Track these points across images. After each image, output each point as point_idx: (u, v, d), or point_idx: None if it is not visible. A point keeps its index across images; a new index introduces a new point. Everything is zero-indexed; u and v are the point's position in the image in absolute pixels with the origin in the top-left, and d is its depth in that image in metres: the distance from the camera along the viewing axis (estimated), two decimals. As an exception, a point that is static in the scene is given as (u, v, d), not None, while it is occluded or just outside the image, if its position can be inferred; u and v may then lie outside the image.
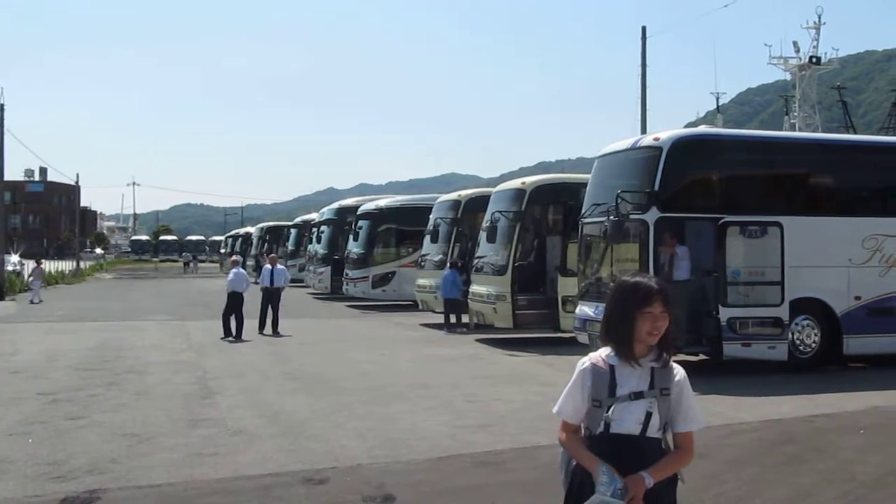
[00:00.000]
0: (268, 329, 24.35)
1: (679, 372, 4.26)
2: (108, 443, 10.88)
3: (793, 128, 56.59)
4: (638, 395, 4.15)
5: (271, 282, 24.75)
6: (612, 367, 4.20)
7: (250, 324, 23.86)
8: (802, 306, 16.90)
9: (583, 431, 4.26)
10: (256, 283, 26.48)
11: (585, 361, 4.29)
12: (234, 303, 23.44)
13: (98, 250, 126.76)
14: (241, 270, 24.97)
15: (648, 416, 4.15)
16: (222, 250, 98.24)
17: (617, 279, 4.38)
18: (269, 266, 25.61)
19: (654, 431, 4.16)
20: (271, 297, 24.67)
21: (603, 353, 4.28)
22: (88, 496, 8.56)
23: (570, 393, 4.27)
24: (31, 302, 38.51)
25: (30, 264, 49.61)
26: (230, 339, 22.80)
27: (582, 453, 4.17)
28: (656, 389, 4.17)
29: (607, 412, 4.14)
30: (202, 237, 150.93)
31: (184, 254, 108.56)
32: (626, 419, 4.14)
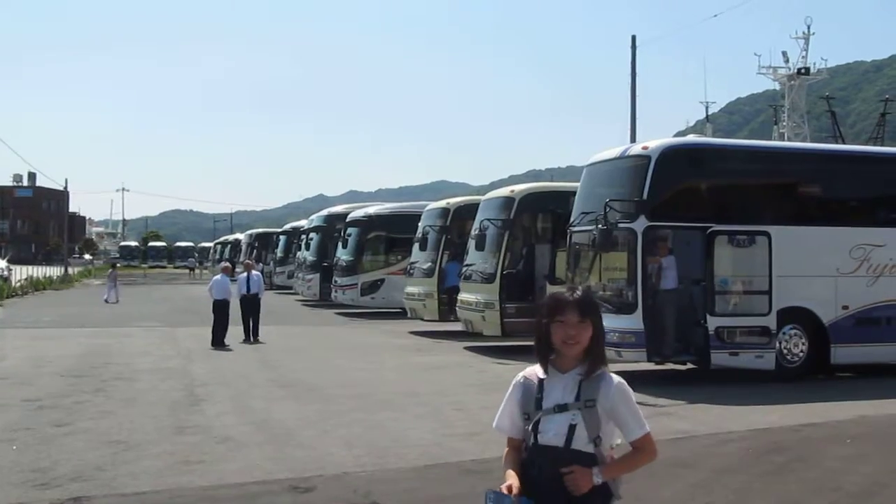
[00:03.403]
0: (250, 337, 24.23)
1: (613, 382, 4.25)
2: (94, 450, 10.84)
3: (782, 137, 56.85)
4: (562, 408, 4.18)
5: (248, 289, 24.63)
6: (541, 381, 4.28)
7: (235, 331, 23.78)
8: (790, 315, 16.92)
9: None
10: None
11: (519, 375, 4.39)
12: (221, 311, 23.36)
13: (87, 256, 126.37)
14: (219, 278, 24.67)
15: (572, 428, 4.17)
16: (193, 257, 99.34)
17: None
18: (244, 273, 25.38)
19: (581, 444, 4.17)
20: (250, 305, 24.50)
21: (537, 367, 4.37)
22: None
23: (505, 407, 4.38)
24: (106, 301, 41.90)
25: (17, 269, 50.80)
26: (222, 347, 22.65)
27: (505, 468, 4.29)
28: (581, 401, 4.18)
29: (532, 425, 4.21)
30: (191, 243, 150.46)
31: (189, 259, 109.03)
32: (549, 431, 4.18)
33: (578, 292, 4.28)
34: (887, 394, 15.81)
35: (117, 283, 44.94)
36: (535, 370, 4.34)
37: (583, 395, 4.19)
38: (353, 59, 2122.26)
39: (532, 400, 4.24)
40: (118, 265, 57.34)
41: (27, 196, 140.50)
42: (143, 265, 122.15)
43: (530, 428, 4.21)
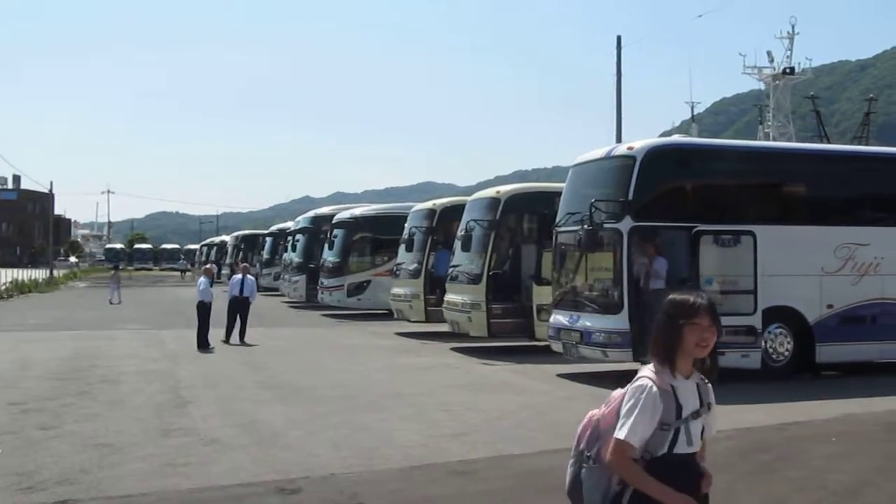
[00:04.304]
0: (234, 339, 24.09)
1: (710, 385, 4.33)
2: (80, 453, 10.80)
3: (767, 137, 56.99)
4: (696, 415, 4.20)
5: (241, 291, 24.61)
6: (673, 388, 4.18)
7: (218, 333, 23.73)
8: (775, 315, 16.98)
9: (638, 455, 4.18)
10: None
11: (648, 384, 4.18)
12: (203, 313, 23.35)
13: (72, 259, 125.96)
14: (201, 279, 24.68)
15: (701, 432, 4.24)
16: (184, 259, 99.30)
17: (666, 298, 4.41)
18: (238, 276, 25.40)
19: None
20: (240, 307, 24.50)
21: (655, 375, 4.23)
22: (58, 507, 8.51)
23: (641, 418, 4.11)
24: (111, 302, 42.61)
25: (2, 272, 50.92)
26: (206, 349, 22.63)
27: (658, 486, 4.09)
28: (704, 405, 4.24)
29: (676, 434, 4.14)
30: (177, 245, 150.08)
31: (180, 261, 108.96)
32: (691, 439, 4.19)
33: (704, 296, 4.28)
34: (872, 392, 15.89)
35: (120, 284, 46.07)
36: (660, 376, 4.21)
37: (704, 399, 4.25)
38: (339, 59, 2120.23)
39: (673, 408, 4.14)
40: (121, 267, 57.73)
41: (12, 199, 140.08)
42: (129, 267, 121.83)
43: (669, 438, 4.14)
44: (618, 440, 4.11)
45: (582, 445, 4.41)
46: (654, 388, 4.14)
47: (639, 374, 4.26)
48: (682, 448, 4.16)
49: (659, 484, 4.08)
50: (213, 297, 23.76)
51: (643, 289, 16.48)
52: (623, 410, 4.16)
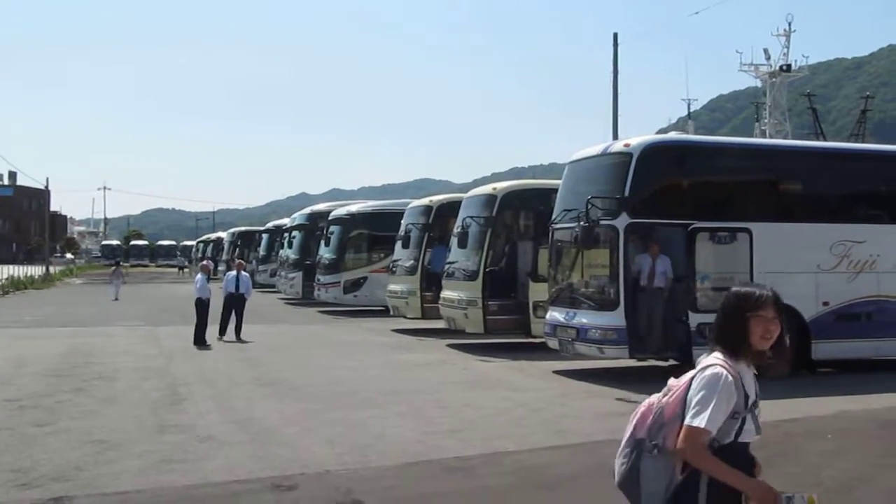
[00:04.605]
0: (230, 335, 24.07)
1: None
2: (75, 449, 10.79)
3: (763, 134, 56.95)
4: (755, 404, 4.26)
5: (237, 287, 24.58)
6: (739, 376, 4.21)
7: (213, 329, 23.71)
8: (771, 312, 16.95)
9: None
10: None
11: (723, 372, 4.18)
12: (200, 309, 23.36)
13: (68, 255, 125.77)
14: (198, 276, 24.69)
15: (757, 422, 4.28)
16: (184, 256, 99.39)
17: (730, 288, 4.42)
18: (233, 272, 25.33)
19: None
20: (235, 303, 24.46)
21: (723, 362, 4.23)
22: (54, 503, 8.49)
23: (718, 405, 4.11)
24: (115, 298, 42.94)
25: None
26: (203, 345, 22.62)
27: (733, 473, 4.10)
28: (758, 396, 4.31)
29: (742, 422, 4.19)
30: (174, 242, 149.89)
31: (179, 258, 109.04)
32: (754, 428, 4.25)
33: (769, 288, 4.30)
34: (867, 389, 15.90)
35: (122, 280, 46.85)
36: (726, 365, 4.21)
37: (758, 390, 4.31)
38: (336, 57, 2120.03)
39: (742, 397, 4.18)
40: (122, 263, 58.12)
41: (8, 195, 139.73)
42: (125, 264, 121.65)
43: (737, 426, 4.18)
44: (694, 428, 4.09)
45: (641, 434, 4.33)
46: (730, 377, 4.15)
47: (708, 363, 4.25)
48: (746, 437, 4.21)
49: (733, 471, 4.09)
50: (210, 293, 23.75)
51: (647, 286, 16.51)
52: (696, 398, 4.14)
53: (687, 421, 4.12)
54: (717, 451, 4.13)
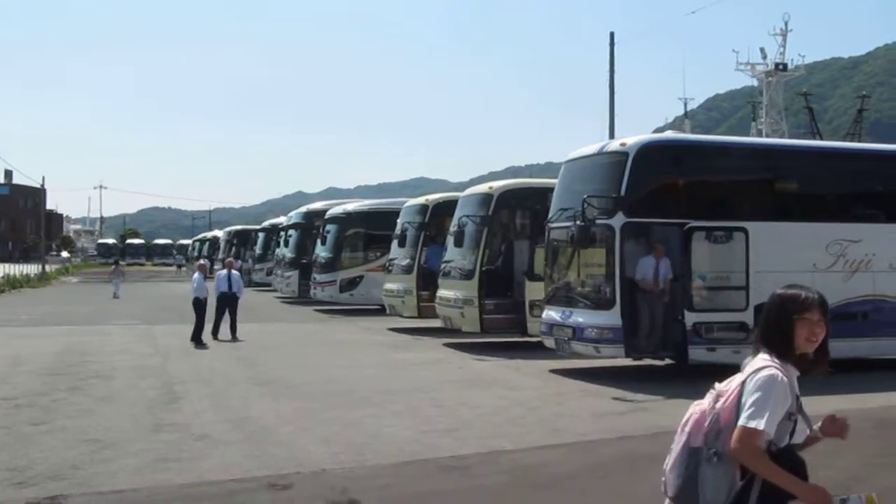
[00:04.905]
0: (225, 335, 24.01)
1: None
2: (71, 448, 10.79)
3: (760, 133, 57.12)
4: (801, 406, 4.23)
5: (229, 286, 24.52)
6: (790, 377, 4.18)
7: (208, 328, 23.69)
8: (767, 311, 16.97)
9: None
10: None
11: (778, 374, 4.13)
12: (198, 309, 23.36)
13: (64, 254, 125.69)
14: (196, 276, 24.69)
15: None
16: (182, 254, 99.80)
17: (775, 291, 4.42)
18: (225, 271, 25.21)
19: None
20: (229, 302, 24.42)
21: (774, 363, 4.19)
22: (50, 502, 8.49)
23: (775, 407, 4.06)
24: (115, 296, 43.48)
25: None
26: (199, 344, 22.60)
27: (789, 477, 4.05)
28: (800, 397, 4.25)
29: (795, 424, 4.16)
30: (170, 241, 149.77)
31: (176, 256, 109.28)
32: (804, 429, 4.23)
33: (815, 290, 4.27)
34: (863, 388, 15.88)
35: (122, 278, 47.43)
36: (780, 366, 4.18)
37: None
38: (332, 56, 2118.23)
39: (794, 398, 4.14)
40: (121, 262, 59.18)
41: (4, 194, 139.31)
42: (121, 262, 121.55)
43: (790, 428, 4.14)
44: (750, 429, 4.00)
45: (697, 443, 4.20)
46: (784, 378, 4.12)
47: (760, 364, 4.19)
48: (797, 438, 4.19)
49: (789, 475, 4.04)
50: (207, 292, 23.75)
51: (648, 287, 16.52)
52: (751, 400, 4.05)
53: (742, 422, 4.03)
54: (774, 454, 4.06)
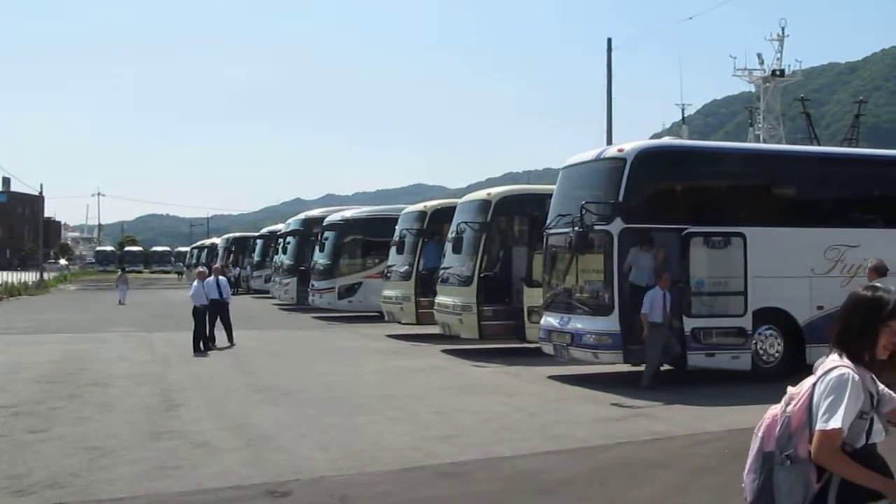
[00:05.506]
0: (222, 342, 23.94)
1: None
2: (70, 456, 10.78)
3: (757, 139, 57.04)
4: (880, 402, 4.16)
5: (220, 293, 24.36)
6: (863, 376, 4.11)
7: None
8: (765, 316, 17.00)
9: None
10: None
11: (850, 374, 4.07)
12: (198, 316, 23.31)
13: (62, 261, 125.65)
14: (195, 284, 24.61)
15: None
16: (182, 262, 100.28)
17: (854, 291, 4.34)
18: (212, 278, 24.63)
19: None
20: (220, 310, 24.29)
21: (847, 364, 4.14)
22: (48, 510, 8.48)
23: (849, 407, 4.00)
24: (120, 303, 44.65)
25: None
26: (199, 352, 22.55)
27: (868, 474, 4.00)
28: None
29: (871, 423, 4.10)
30: (168, 248, 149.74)
31: (176, 264, 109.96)
32: (881, 428, 4.14)
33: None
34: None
35: (127, 285, 48.54)
36: (851, 365, 4.12)
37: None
38: (330, 62, 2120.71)
39: (868, 398, 4.07)
40: (126, 269, 62.46)
41: (1, 201, 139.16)
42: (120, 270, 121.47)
43: (866, 427, 4.07)
44: (827, 430, 3.97)
45: (770, 447, 4.23)
46: (856, 376, 4.05)
47: (831, 365, 4.15)
48: (875, 437, 4.11)
49: (868, 471, 4.00)
50: (207, 300, 23.71)
51: (645, 284, 16.50)
52: (825, 402, 4.03)
53: (819, 426, 4.01)
54: (850, 455, 4.03)
